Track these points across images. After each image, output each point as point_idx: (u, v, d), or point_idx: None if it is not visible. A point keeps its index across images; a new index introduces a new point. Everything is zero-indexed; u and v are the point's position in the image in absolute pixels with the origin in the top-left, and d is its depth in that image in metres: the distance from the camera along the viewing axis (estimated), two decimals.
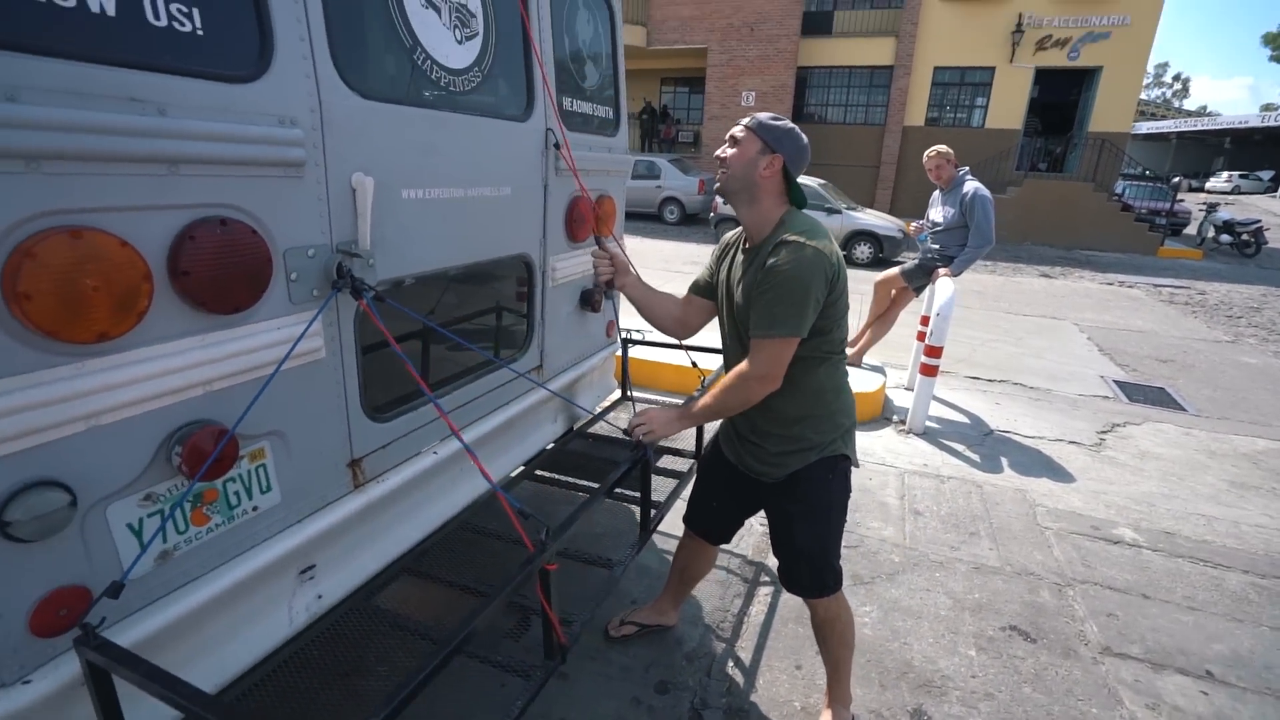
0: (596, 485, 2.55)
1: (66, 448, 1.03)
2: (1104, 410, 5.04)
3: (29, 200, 0.93)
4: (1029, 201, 15.48)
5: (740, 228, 1.81)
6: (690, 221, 15.56)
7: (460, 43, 1.78)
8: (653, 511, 2.02)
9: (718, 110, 18.47)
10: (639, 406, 3.31)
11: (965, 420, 4.72)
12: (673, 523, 3.12)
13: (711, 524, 2.13)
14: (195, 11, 1.11)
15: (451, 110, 1.77)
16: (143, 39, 1.04)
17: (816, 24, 18.43)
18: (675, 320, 2.00)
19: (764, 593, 2.70)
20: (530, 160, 2.16)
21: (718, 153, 1.72)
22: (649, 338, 3.07)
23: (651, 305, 2.01)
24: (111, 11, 1.00)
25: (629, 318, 2.67)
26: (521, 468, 2.46)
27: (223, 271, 1.19)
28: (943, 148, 4.62)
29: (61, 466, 1.03)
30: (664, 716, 2.06)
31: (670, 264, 10.73)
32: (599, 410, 2.87)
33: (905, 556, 3.00)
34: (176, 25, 1.08)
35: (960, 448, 4.20)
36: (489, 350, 2.33)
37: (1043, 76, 16.64)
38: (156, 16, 1.05)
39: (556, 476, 2.51)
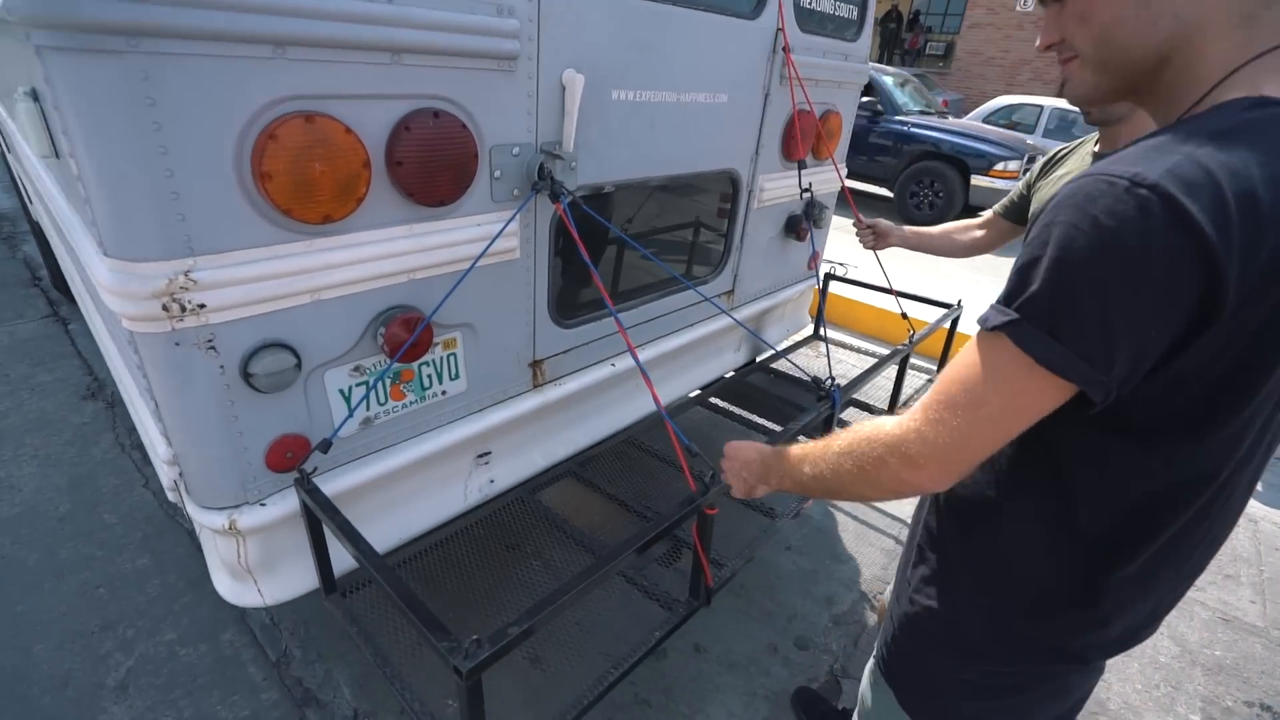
0: (767, 422, 2.44)
1: (295, 317, 1.15)
2: None
3: (275, 84, 0.99)
4: None
5: (1064, 146, 1.69)
6: None
7: None
8: None
9: (983, 16, 15.61)
10: (830, 348, 3.07)
11: None
12: None
13: None
14: None
15: (674, 3, 1.61)
16: None
17: None
18: (966, 245, 1.94)
19: None
20: (753, 65, 1.94)
21: None
22: (854, 275, 2.76)
23: (932, 243, 1.98)
24: None
25: (835, 250, 2.40)
26: (697, 392, 2.41)
27: (433, 164, 1.21)
28: None
29: (291, 332, 1.16)
30: (800, 672, 1.99)
31: None
32: (785, 346, 2.69)
33: None
34: None
35: None
36: (680, 270, 2.25)
37: None
38: None
39: (729, 407, 2.43)
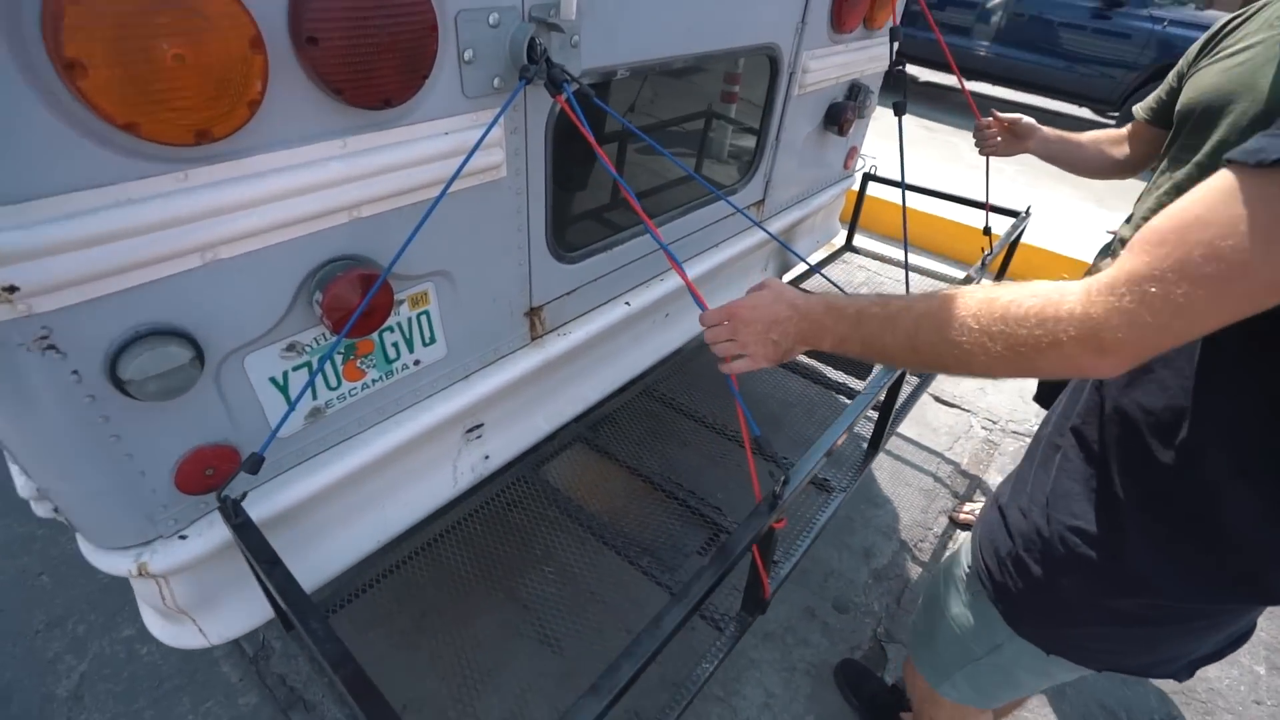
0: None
1: (181, 288, 0.77)
2: None
3: None
4: None
5: (1230, 16, 1.26)
6: None
7: None
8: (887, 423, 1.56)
9: None
10: (861, 260, 2.70)
11: None
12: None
13: None
14: None
15: None
16: None
17: None
18: (1115, 164, 1.53)
19: (976, 510, 2.24)
20: None
21: None
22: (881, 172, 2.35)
23: (1080, 153, 1.55)
24: None
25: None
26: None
27: (367, 40, 0.79)
28: None
29: (178, 312, 0.78)
30: (841, 639, 1.80)
31: None
32: (818, 260, 2.33)
33: None
34: None
35: None
36: (705, 181, 1.83)
37: None
38: None
39: None
